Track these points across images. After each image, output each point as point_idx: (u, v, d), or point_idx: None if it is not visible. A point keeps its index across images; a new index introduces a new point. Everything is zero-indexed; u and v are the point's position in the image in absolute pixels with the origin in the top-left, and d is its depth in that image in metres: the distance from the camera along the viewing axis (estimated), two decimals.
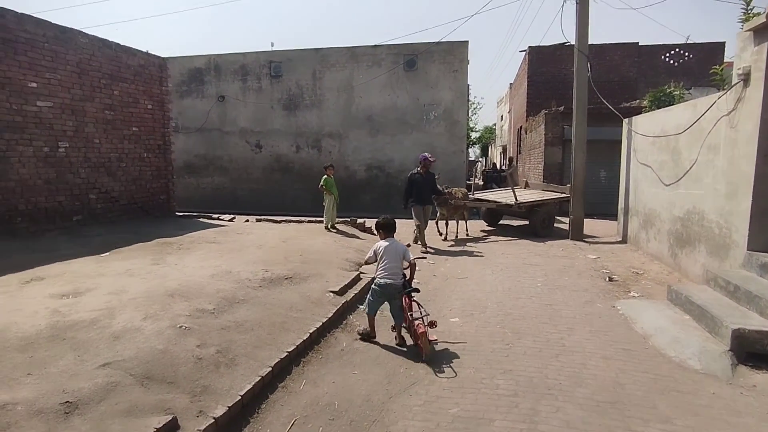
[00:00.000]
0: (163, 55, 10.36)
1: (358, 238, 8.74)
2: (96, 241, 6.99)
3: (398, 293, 4.07)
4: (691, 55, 18.34)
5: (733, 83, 5.30)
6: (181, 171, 16.21)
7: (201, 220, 10.09)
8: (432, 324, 3.95)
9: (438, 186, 8.97)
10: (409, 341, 4.11)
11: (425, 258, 7.69)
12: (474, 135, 45.15)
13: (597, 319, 4.88)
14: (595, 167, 14.75)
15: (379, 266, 4.12)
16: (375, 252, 4.19)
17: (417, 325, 3.85)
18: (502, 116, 37.59)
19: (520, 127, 22.57)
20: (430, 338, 3.87)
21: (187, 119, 16.05)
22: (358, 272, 6.06)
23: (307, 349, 3.86)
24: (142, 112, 9.50)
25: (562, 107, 14.34)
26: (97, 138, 8.39)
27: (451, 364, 3.75)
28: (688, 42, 18.72)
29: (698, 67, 17.81)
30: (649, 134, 8.12)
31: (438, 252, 8.48)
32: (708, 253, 5.85)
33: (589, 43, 9.97)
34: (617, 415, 3.00)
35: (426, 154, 8.88)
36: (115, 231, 7.83)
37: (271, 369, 3.29)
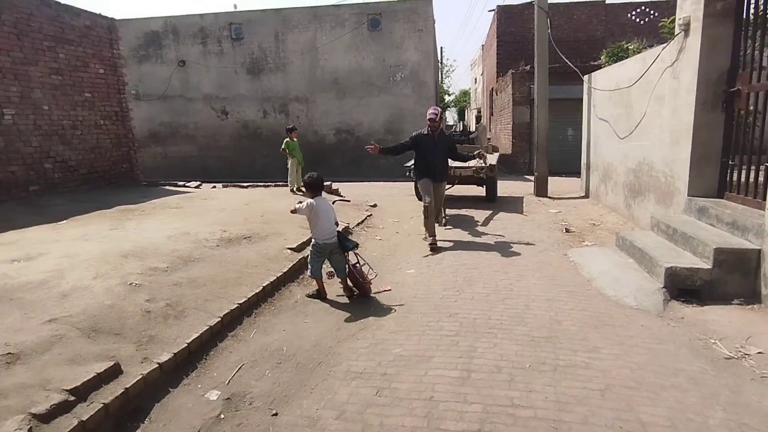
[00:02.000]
0: (116, 17, 9.87)
1: None
2: (54, 210, 6.84)
3: (336, 248, 4.14)
4: (656, 13, 18.39)
5: (675, 34, 5.41)
6: (146, 140, 15.76)
7: (166, 187, 9.92)
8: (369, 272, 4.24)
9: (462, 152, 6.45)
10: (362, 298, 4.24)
11: (433, 254, 5.62)
12: (449, 98, 44.85)
13: (547, 267, 5.09)
14: (563, 126, 14.96)
15: (315, 228, 4.10)
16: (309, 208, 4.04)
17: (360, 275, 4.08)
18: (475, 79, 37.29)
19: (492, 88, 22.52)
20: (385, 288, 4.01)
21: (148, 86, 15.47)
22: None
23: (260, 301, 3.95)
24: (94, 77, 9.11)
25: (529, 66, 14.33)
26: (46, 104, 8.05)
27: (400, 311, 3.91)
28: (653, 0, 18.76)
29: None
30: (605, 89, 8.25)
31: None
32: (656, 202, 6.10)
33: (557, 2, 9.95)
34: (549, 348, 3.20)
35: (429, 110, 6.01)
36: (75, 200, 7.65)
37: (220, 319, 3.37)
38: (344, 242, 4.17)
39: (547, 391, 2.67)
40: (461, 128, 37.65)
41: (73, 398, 2.29)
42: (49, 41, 8.12)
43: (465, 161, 6.45)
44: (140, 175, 10.38)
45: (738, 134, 4.78)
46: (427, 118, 5.93)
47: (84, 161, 8.81)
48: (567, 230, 6.76)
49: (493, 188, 9.28)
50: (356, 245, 4.30)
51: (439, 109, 6.21)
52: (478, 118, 33.98)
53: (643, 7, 18.72)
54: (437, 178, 6.05)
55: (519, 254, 5.58)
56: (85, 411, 2.25)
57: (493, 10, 19.97)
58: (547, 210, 8.46)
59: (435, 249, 5.71)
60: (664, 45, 5.88)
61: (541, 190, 10.09)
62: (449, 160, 6.22)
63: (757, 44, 4.44)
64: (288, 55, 14.62)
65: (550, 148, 14.41)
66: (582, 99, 10.42)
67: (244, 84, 15.09)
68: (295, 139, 9.06)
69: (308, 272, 4.18)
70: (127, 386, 2.46)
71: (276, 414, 2.56)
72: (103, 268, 3.84)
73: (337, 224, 4.25)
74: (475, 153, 6.54)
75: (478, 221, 7.56)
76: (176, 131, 15.68)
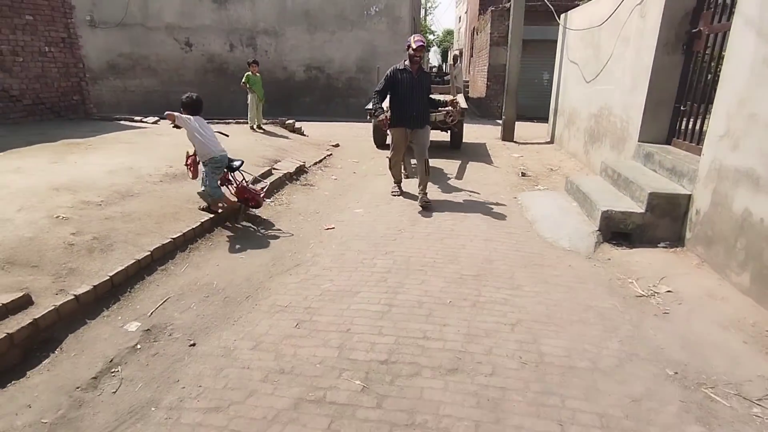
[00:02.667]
0: None
1: (285, 138, 8.54)
2: None
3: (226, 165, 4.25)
4: None
5: None
6: (105, 72, 14.89)
7: (122, 122, 9.48)
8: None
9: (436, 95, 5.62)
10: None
11: (397, 195, 5.57)
12: (432, 38, 43.22)
13: (494, 208, 5.14)
14: (540, 69, 14.61)
15: (204, 143, 4.05)
16: (187, 121, 4.00)
17: (248, 190, 4.43)
18: (460, 17, 35.83)
19: (473, 27, 21.69)
20: (328, 226, 4.05)
21: (104, 13, 14.33)
22: (270, 168, 6.01)
23: (198, 237, 3.91)
24: None
25: (509, 3, 13.72)
26: None
27: (338, 248, 3.93)
28: None
29: None
30: (578, 29, 7.99)
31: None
32: (610, 147, 6.13)
33: None
34: (474, 285, 3.29)
35: (415, 37, 5.00)
36: (17, 132, 7.25)
37: (150, 253, 3.33)
38: (232, 161, 4.33)
39: (461, 325, 2.77)
40: (437, 69, 36.03)
41: None
42: None
43: (436, 108, 5.47)
44: (93, 109, 9.86)
45: (693, 79, 4.73)
46: (412, 47, 4.84)
47: (28, 91, 8.28)
48: (523, 174, 6.79)
49: (459, 135, 8.63)
50: (242, 162, 4.46)
51: (424, 37, 5.20)
52: (455, 58, 32.77)
53: None
54: (417, 123, 5.08)
55: (469, 196, 5.61)
56: None
57: None
58: (510, 154, 8.44)
59: (396, 192, 5.59)
60: None
61: (507, 135, 10.02)
62: None
63: None
64: None
65: (525, 92, 14.24)
66: None
67: (209, 13, 14.13)
68: (257, 74, 8.65)
69: (206, 190, 4.09)
70: (36, 317, 2.45)
71: (194, 344, 2.61)
72: (30, 201, 3.71)
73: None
74: (449, 101, 5.54)
75: (435, 166, 7.50)
76: (136, 63, 14.78)
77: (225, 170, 4.29)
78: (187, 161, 4.27)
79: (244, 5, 13.91)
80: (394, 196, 5.55)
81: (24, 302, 2.51)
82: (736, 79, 3.41)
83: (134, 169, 5.03)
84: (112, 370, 2.36)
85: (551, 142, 9.77)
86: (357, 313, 2.89)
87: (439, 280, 3.36)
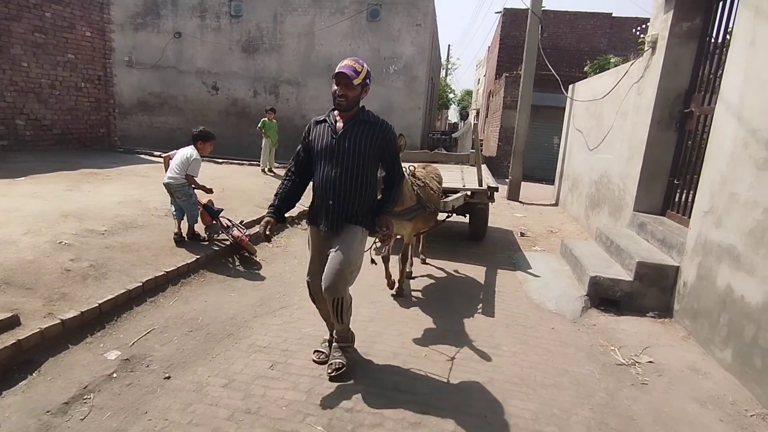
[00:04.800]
0: None
1: None
2: (18, 166, 6.86)
3: (176, 192, 4.36)
4: None
5: (644, 51, 5.49)
6: (135, 108, 15.72)
7: (141, 156, 9.95)
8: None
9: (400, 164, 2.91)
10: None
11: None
12: (451, 96, 44.81)
13: (487, 265, 5.18)
14: (549, 133, 15.06)
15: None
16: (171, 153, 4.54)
17: (237, 236, 4.62)
18: (479, 79, 37.28)
19: (489, 90, 22.56)
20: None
21: (142, 55, 15.37)
22: None
23: (191, 272, 4.03)
24: (80, 39, 9.09)
25: (521, 70, 14.36)
26: (25, 61, 8.04)
27: None
28: None
29: None
30: (584, 100, 8.32)
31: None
32: (608, 214, 6.21)
33: (564, 10, 9.93)
34: (453, 340, 3.30)
35: (343, 62, 2.55)
36: (42, 159, 7.68)
37: (141, 284, 3.45)
38: (210, 209, 4.69)
39: (432, 379, 2.78)
40: (446, 126, 35.53)
41: None
42: None
43: (392, 198, 2.80)
44: (118, 142, 10.39)
45: (686, 155, 4.88)
46: (333, 76, 2.53)
47: (59, 121, 8.82)
48: (522, 234, 6.87)
49: (482, 221, 6.02)
50: (221, 210, 4.80)
51: (362, 63, 2.58)
52: (465, 115, 33.17)
53: (648, 24, 18.74)
54: (334, 219, 2.63)
55: (463, 252, 5.68)
56: None
57: (500, 12, 19.97)
58: (513, 214, 8.56)
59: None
60: (633, 61, 5.98)
61: (513, 195, 10.19)
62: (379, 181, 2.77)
63: (712, 68, 4.53)
64: (284, 37, 14.57)
65: (535, 154, 14.63)
66: None
67: (237, 62, 15.03)
68: (273, 120, 9.09)
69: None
70: (21, 338, 2.54)
71: (168, 377, 2.65)
72: (38, 226, 3.91)
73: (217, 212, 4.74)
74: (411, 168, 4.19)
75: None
76: (165, 102, 15.62)
77: (209, 215, 4.69)
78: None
79: (271, 56, 14.78)
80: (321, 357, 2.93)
81: (11, 323, 2.62)
82: (718, 159, 3.54)
83: (142, 202, 5.25)
84: (85, 397, 2.41)
85: (556, 204, 9.89)
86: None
87: (418, 332, 3.38)
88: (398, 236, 4.03)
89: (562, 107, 12.63)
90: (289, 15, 14.55)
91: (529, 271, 5.04)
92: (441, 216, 4.80)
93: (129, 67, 15.35)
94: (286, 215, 2.93)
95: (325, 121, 2.65)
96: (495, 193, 5.49)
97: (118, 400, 2.41)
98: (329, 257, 2.57)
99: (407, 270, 4.46)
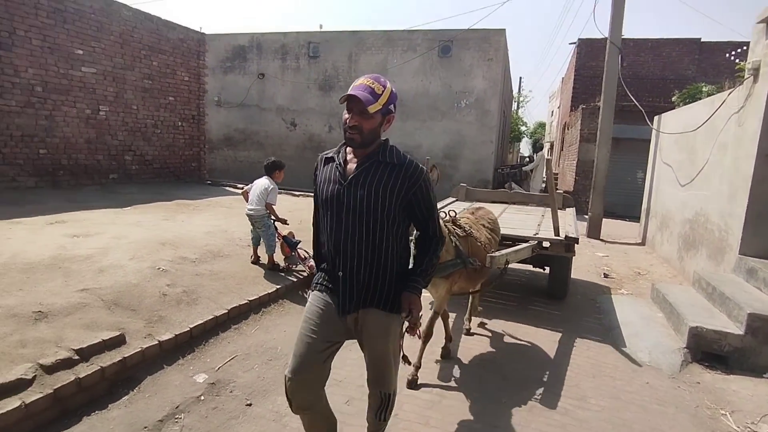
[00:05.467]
0: (208, 32, 10.97)
1: None
2: (124, 197, 7.66)
3: (257, 223, 4.65)
4: None
5: (744, 78, 5.07)
6: (221, 143, 17.09)
7: (227, 188, 10.70)
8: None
9: (433, 201, 1.94)
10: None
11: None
12: (523, 129, 44.05)
13: (567, 309, 4.88)
14: (632, 167, 14.20)
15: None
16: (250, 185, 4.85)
17: (312, 267, 4.69)
18: (552, 112, 36.41)
19: (565, 122, 21.90)
20: None
21: (230, 94, 16.81)
22: None
23: (272, 301, 4.19)
24: (179, 83, 10.14)
25: (600, 102, 13.82)
26: (135, 104, 9.09)
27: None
28: None
29: None
30: (672, 132, 7.80)
31: None
32: (707, 257, 5.65)
33: (645, 37, 9.57)
34: (534, 388, 3.11)
35: (358, 80, 1.80)
36: (144, 191, 8.52)
37: (227, 312, 3.63)
38: (289, 241, 4.92)
39: (511, 430, 2.61)
40: (517, 160, 34.32)
41: (77, 357, 2.62)
42: (146, 50, 9.20)
43: (433, 251, 1.96)
44: (206, 175, 11.28)
45: None
46: (342, 99, 1.79)
47: (159, 157, 9.78)
48: (606, 275, 6.42)
49: (563, 275, 5.01)
50: (299, 242, 5.01)
51: (383, 82, 1.82)
52: (539, 147, 32.01)
53: (744, 48, 17.39)
54: (351, 298, 1.88)
55: (535, 312, 5.37)
56: (84, 370, 2.57)
57: (575, 42, 19.54)
58: (594, 253, 8.06)
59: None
60: (731, 90, 5.53)
61: (593, 232, 9.63)
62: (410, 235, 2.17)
63: None
64: (358, 74, 15.09)
65: (616, 189, 13.82)
66: None
67: (314, 99, 15.94)
68: None
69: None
70: (126, 356, 2.76)
71: (250, 404, 2.74)
72: (141, 252, 4.29)
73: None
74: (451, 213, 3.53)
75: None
76: (248, 137, 16.85)
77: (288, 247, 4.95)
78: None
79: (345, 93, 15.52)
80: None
81: (118, 341, 2.86)
82: None
83: (228, 232, 5.61)
84: (176, 417, 2.54)
85: (642, 243, 9.19)
86: (403, 399, 2.86)
87: (498, 377, 3.22)
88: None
89: (645, 139, 11.90)
90: (363, 54, 15.28)
91: (615, 315, 4.67)
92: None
93: (218, 106, 16.81)
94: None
95: (331, 158, 1.94)
96: (575, 245, 4.48)
97: (204, 423, 2.52)
98: (367, 345, 1.95)
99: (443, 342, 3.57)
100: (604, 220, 10.03)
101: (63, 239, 4.60)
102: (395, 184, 1.81)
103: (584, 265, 7.03)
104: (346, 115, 1.79)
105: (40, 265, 3.77)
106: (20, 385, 2.29)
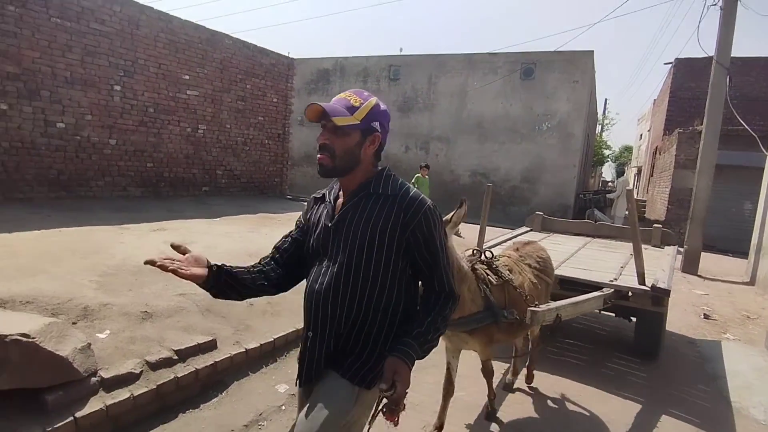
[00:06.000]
0: (296, 56, 11.71)
1: None
2: (214, 209, 8.28)
3: None
4: None
5: None
6: (301, 160, 17.96)
7: (305, 203, 11.15)
8: None
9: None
10: None
11: None
12: (607, 152, 41.71)
13: (664, 353, 4.43)
14: (738, 197, 12.84)
15: None
16: None
17: None
18: (641, 135, 34.13)
19: (656, 147, 20.39)
20: None
21: None
22: None
23: None
24: (268, 105, 10.86)
25: (701, 126, 12.70)
26: (228, 124, 9.86)
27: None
28: None
29: None
30: None
31: None
32: None
33: (752, 56, 8.77)
34: None
35: (346, 93, 1.51)
36: (231, 203, 9.14)
37: None
38: None
39: None
40: (599, 184, 32.01)
41: (176, 357, 2.83)
42: (241, 74, 9.99)
43: (449, 305, 1.48)
44: (287, 190, 11.88)
45: None
46: (305, 111, 1.48)
47: (246, 172, 10.48)
48: (706, 316, 5.79)
49: (655, 330, 4.00)
50: None
51: (365, 96, 1.51)
52: (620, 173, 29.99)
53: None
54: (315, 363, 1.48)
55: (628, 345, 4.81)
56: (182, 370, 2.76)
57: (670, 63, 18.28)
58: (691, 290, 7.32)
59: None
60: None
61: (689, 267, 8.76)
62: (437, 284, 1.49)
63: None
64: (437, 97, 15.41)
65: (717, 221, 12.52)
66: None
67: (393, 120, 16.07)
68: (426, 177, 9.47)
69: None
70: (217, 360, 2.94)
71: None
72: (230, 262, 4.53)
73: None
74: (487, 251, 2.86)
75: None
76: None
77: None
78: None
79: (424, 115, 15.69)
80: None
81: (211, 346, 3.05)
82: None
83: None
84: (259, 423, 2.64)
85: (751, 283, 8.21)
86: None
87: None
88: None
89: (756, 167, 10.72)
90: (443, 77, 15.40)
91: (722, 363, 4.18)
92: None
93: (300, 126, 17.75)
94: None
95: (321, 198, 1.62)
96: (666, 298, 3.50)
97: None
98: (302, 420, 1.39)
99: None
100: (702, 254, 9.11)
101: (164, 246, 5.03)
102: (387, 220, 1.40)
103: (679, 304, 6.39)
104: (323, 141, 1.45)
105: (146, 269, 4.11)
106: (130, 378, 2.51)
